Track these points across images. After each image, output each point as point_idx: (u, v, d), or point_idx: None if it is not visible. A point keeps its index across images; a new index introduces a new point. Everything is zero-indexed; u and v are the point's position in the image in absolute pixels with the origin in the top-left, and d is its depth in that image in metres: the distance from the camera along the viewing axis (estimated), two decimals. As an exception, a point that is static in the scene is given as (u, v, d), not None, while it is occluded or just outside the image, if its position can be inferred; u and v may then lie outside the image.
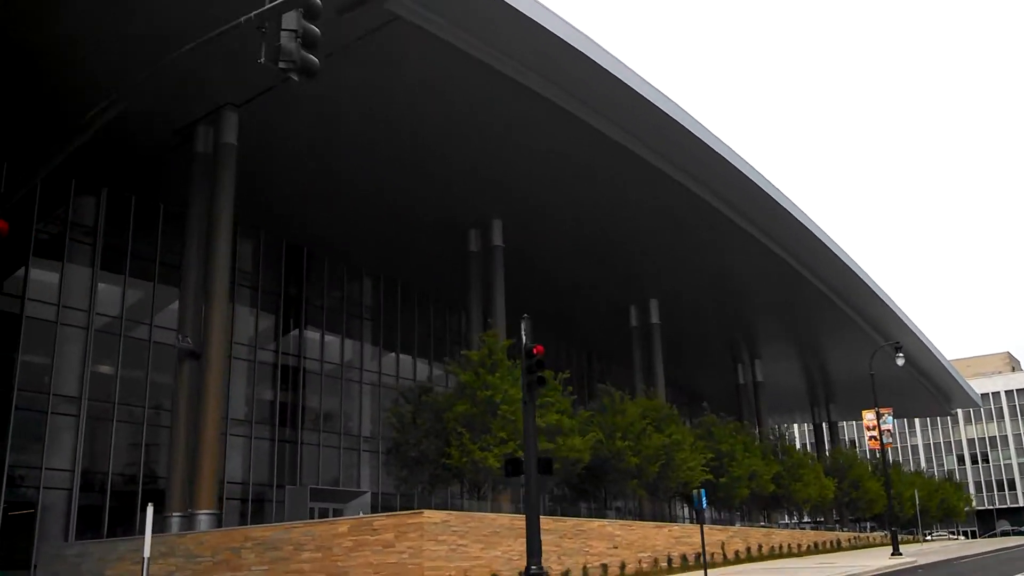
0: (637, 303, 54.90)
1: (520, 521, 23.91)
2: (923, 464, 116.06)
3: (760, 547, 35.65)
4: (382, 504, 38.74)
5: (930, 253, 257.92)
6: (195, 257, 30.29)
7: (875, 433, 35.41)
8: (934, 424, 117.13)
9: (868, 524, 78.18)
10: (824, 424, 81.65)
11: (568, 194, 39.58)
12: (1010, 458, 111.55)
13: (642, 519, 39.62)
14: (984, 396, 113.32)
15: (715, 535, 33.06)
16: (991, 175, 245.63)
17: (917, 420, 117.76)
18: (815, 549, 40.65)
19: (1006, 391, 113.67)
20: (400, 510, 28.09)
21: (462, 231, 42.43)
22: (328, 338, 43.95)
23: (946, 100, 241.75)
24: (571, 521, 25.64)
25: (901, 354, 33.96)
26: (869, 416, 36.87)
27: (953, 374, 78.92)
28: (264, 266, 41.20)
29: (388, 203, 39.32)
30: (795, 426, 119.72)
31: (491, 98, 31.65)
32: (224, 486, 35.33)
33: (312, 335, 43.41)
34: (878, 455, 67.43)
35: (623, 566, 26.43)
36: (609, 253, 46.62)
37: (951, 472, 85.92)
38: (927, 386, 79.84)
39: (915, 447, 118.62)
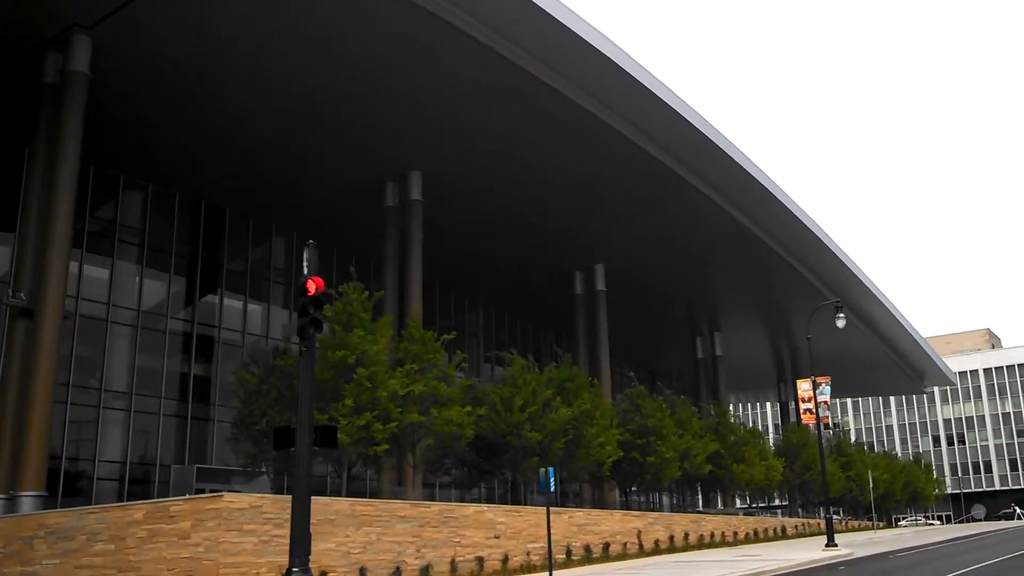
0: (582, 269, 51.65)
1: (375, 507, 20.63)
2: (897, 446, 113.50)
3: (687, 535, 32.46)
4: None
5: (913, 229, 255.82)
6: (34, 201, 26.72)
7: (810, 406, 31.67)
8: (909, 404, 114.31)
9: (833, 509, 75.67)
10: (792, 403, 78.51)
11: (499, 146, 36.19)
12: (987, 439, 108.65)
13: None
14: (962, 374, 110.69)
15: (631, 522, 29.79)
16: (974, 154, 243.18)
17: (892, 400, 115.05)
18: (753, 538, 37.50)
19: (984, 369, 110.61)
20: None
21: (378, 185, 39.01)
22: (228, 302, 40.37)
23: (923, 80, 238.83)
24: (436, 507, 22.27)
25: (842, 315, 30.56)
26: (804, 386, 33.20)
27: (926, 349, 76.10)
28: (152, 222, 37.18)
29: (296, 156, 35.90)
30: (768, 405, 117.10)
31: (408, 34, 28.31)
32: (63, 463, 31.80)
33: (210, 300, 39.84)
34: (838, 434, 64.54)
35: (506, 559, 23.20)
36: (549, 213, 43.36)
37: (920, 455, 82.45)
38: (898, 362, 77.09)
39: (889, 427, 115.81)
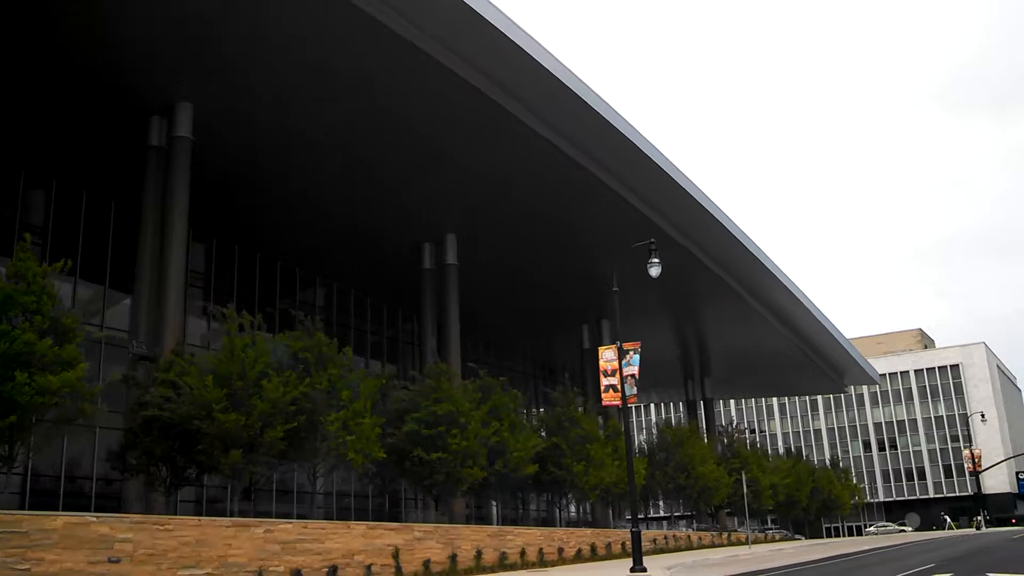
0: (432, 239, 44.80)
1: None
2: (826, 451, 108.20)
3: (479, 554, 25.56)
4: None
5: (844, 230, 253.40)
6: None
7: (614, 381, 24.17)
8: (838, 406, 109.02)
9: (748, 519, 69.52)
10: (701, 401, 72.46)
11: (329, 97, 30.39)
12: (919, 444, 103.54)
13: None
14: (892, 376, 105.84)
15: (383, 537, 22.77)
16: (905, 153, 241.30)
17: (820, 402, 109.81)
18: (578, 556, 30.61)
19: (915, 370, 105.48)
20: None
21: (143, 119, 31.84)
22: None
23: (850, 77, 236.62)
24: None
25: (656, 259, 23.86)
26: (607, 355, 25.48)
27: (845, 347, 70.50)
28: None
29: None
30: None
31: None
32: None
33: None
34: (732, 435, 58.06)
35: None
36: (391, 175, 36.82)
37: (838, 460, 76.37)
38: (815, 360, 71.40)
39: (818, 431, 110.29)
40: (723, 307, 59.57)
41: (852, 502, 69.51)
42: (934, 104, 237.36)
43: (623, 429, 26.74)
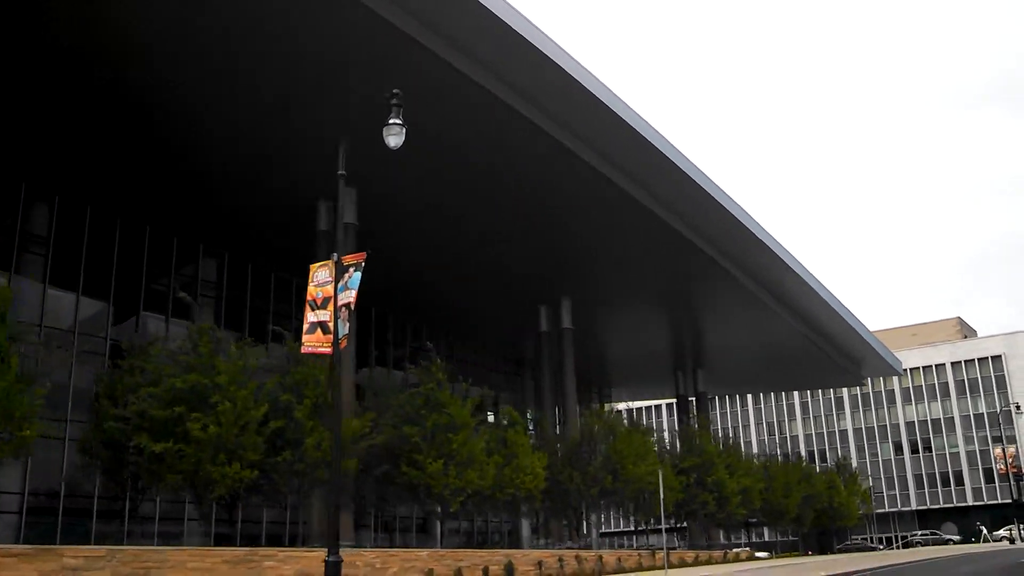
0: (325, 196, 37.37)
1: None
2: (853, 453, 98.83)
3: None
4: None
5: (881, 219, 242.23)
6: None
7: (325, 316, 14.84)
8: (866, 404, 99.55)
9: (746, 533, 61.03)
10: (693, 399, 64.16)
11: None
12: (956, 445, 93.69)
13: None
14: (927, 369, 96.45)
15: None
16: (942, 142, 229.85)
17: (846, 400, 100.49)
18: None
19: (952, 363, 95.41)
20: None
21: None
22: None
23: (883, 65, 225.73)
24: None
25: (397, 120, 15.59)
26: (320, 275, 15.61)
27: (859, 332, 61.96)
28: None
29: None
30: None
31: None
32: None
33: None
34: (692, 428, 49.24)
35: None
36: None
37: (840, 462, 66.72)
38: (823, 348, 62.84)
39: (843, 433, 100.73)
40: (717, 289, 52.12)
41: (862, 511, 60.45)
42: (980, 91, 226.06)
43: (332, 382, 17.36)
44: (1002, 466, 71.40)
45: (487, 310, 52.48)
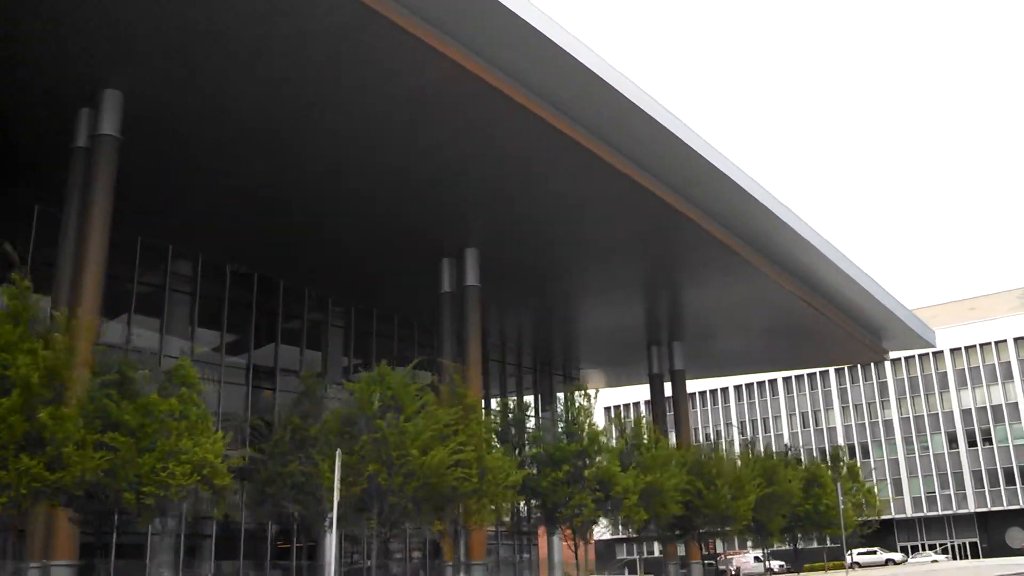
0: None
1: None
2: (899, 447, 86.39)
3: None
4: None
5: (944, 189, 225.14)
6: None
7: None
8: (914, 389, 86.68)
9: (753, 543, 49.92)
10: (669, 378, 53.53)
11: None
12: (1022, 436, 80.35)
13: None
14: (985, 347, 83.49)
15: None
16: (991, 111, 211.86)
17: (891, 385, 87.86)
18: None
19: (1016, 338, 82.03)
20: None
21: None
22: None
23: (940, 45, 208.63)
24: None
25: None
26: None
27: (872, 292, 50.67)
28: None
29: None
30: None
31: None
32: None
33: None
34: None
35: None
36: None
37: (835, 453, 53.60)
38: (831, 316, 51.64)
39: (888, 423, 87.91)
40: (695, 249, 42.45)
41: (862, 517, 48.38)
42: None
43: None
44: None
45: (391, 269, 43.09)
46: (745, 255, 43.35)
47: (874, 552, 75.67)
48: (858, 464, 59.18)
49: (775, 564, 69.18)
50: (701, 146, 35.25)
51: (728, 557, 74.94)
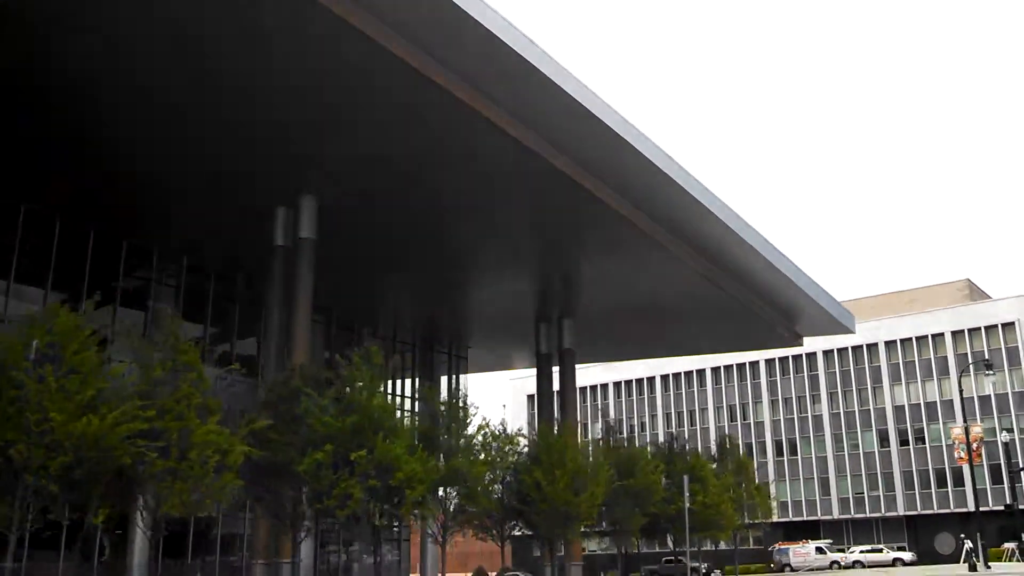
0: None
1: None
2: (829, 445, 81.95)
3: None
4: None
5: (894, 179, 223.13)
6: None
7: None
8: (846, 383, 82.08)
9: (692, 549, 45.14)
10: (556, 358, 48.71)
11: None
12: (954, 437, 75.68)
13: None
14: (921, 341, 79.28)
15: None
16: (932, 103, 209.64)
17: (822, 379, 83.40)
18: None
19: (953, 332, 77.02)
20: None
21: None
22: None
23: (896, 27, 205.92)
24: None
25: None
26: None
27: (788, 274, 46.06)
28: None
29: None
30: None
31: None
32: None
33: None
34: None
35: None
36: None
37: (722, 445, 48.71)
38: (736, 294, 47.00)
39: (817, 419, 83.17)
40: (586, 216, 38.02)
41: (746, 521, 43.70)
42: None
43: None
44: (961, 454, 54.05)
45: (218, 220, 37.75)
46: (643, 226, 38.96)
47: (880, 551, 70.83)
48: (765, 461, 54.31)
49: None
50: (586, 96, 30.51)
51: (781, 547, 70.00)
